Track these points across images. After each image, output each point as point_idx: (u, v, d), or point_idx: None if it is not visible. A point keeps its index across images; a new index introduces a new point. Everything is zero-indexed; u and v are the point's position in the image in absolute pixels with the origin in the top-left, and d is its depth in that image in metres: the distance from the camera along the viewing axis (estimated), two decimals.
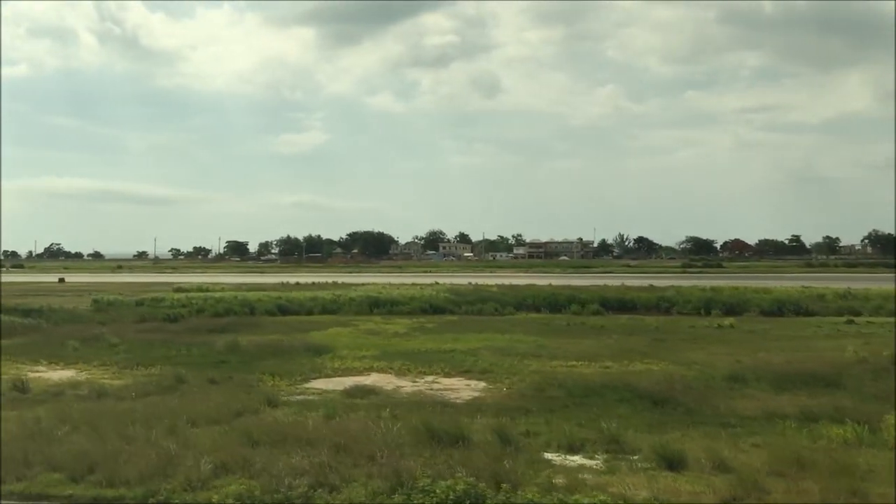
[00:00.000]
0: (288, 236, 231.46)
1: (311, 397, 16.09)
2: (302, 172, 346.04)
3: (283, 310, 38.83)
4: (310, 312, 38.69)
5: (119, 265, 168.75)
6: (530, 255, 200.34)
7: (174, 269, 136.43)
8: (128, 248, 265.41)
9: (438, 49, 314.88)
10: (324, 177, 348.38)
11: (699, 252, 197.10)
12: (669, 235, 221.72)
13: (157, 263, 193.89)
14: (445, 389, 16.92)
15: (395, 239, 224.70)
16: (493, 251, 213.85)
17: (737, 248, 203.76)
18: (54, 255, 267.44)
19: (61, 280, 76.85)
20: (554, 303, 41.34)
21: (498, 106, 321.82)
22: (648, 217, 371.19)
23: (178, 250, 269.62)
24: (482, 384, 17.57)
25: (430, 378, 18.50)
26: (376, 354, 22.14)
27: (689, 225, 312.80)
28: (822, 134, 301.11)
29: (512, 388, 16.72)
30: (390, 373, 19.44)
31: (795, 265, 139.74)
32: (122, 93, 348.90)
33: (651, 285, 53.09)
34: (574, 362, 20.24)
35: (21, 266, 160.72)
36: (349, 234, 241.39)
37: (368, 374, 19.26)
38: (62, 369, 20.44)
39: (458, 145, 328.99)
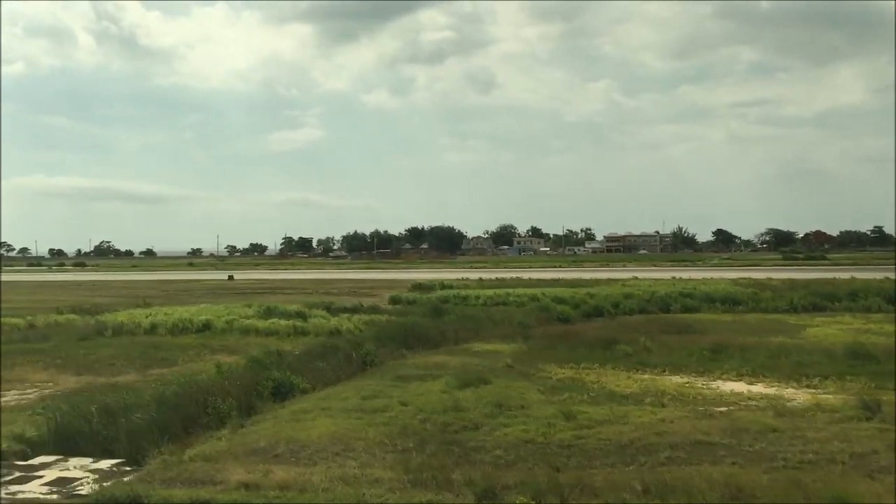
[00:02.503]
0: (356, 232, 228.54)
1: None
2: (296, 170, 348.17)
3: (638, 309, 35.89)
4: (667, 310, 35.70)
5: (190, 262, 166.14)
6: (608, 249, 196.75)
7: (275, 266, 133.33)
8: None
9: (434, 45, 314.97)
10: (318, 174, 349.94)
11: (781, 244, 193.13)
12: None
13: (224, 261, 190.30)
14: None
15: (465, 234, 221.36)
16: (567, 245, 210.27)
17: (819, 240, 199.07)
18: (103, 252, 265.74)
19: (230, 278, 74.20)
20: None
21: (493, 102, 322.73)
22: (644, 211, 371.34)
23: (234, 247, 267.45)
24: None
25: None
26: None
27: (684, 218, 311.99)
28: (816, 127, 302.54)
29: None
30: None
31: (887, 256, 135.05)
32: (117, 92, 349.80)
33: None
34: None
35: (83, 265, 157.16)
36: (408, 230, 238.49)
37: None
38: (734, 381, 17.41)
39: (452, 142, 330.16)
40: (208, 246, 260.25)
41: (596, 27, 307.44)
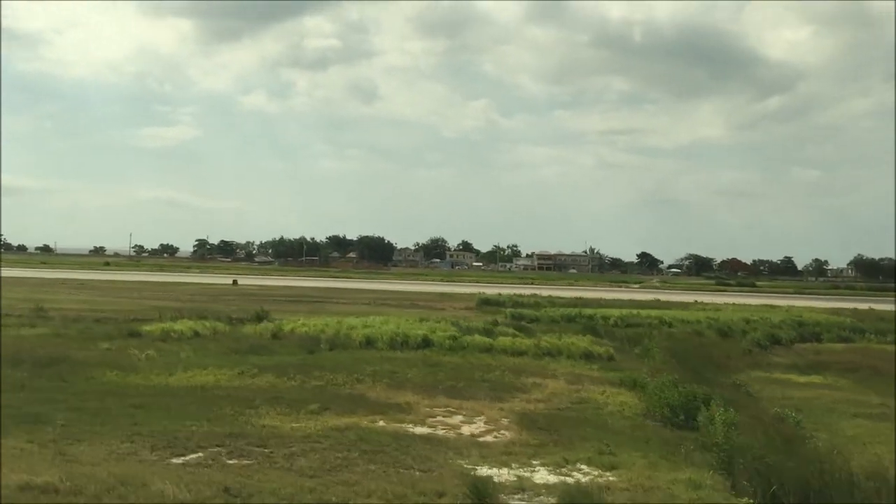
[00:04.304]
0: (282, 237, 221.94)
1: None
2: (165, 168, 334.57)
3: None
4: (819, 339, 35.83)
5: (106, 262, 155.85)
6: (539, 267, 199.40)
7: (197, 269, 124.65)
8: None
9: (319, 52, 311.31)
10: (188, 174, 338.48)
11: (701, 269, 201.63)
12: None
13: (139, 262, 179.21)
14: None
15: (395, 245, 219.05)
16: (496, 262, 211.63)
17: (734, 267, 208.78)
18: None
19: (235, 282, 69.76)
20: None
21: (374, 113, 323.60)
22: (519, 229, 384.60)
23: (142, 247, 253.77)
24: None
25: None
26: None
27: (555, 239, 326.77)
28: (676, 158, 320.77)
29: None
30: None
31: (822, 286, 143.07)
32: None
33: None
34: None
35: None
36: (330, 238, 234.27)
37: None
38: None
39: (330, 149, 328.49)
40: (112, 245, 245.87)
41: (478, 46, 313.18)
